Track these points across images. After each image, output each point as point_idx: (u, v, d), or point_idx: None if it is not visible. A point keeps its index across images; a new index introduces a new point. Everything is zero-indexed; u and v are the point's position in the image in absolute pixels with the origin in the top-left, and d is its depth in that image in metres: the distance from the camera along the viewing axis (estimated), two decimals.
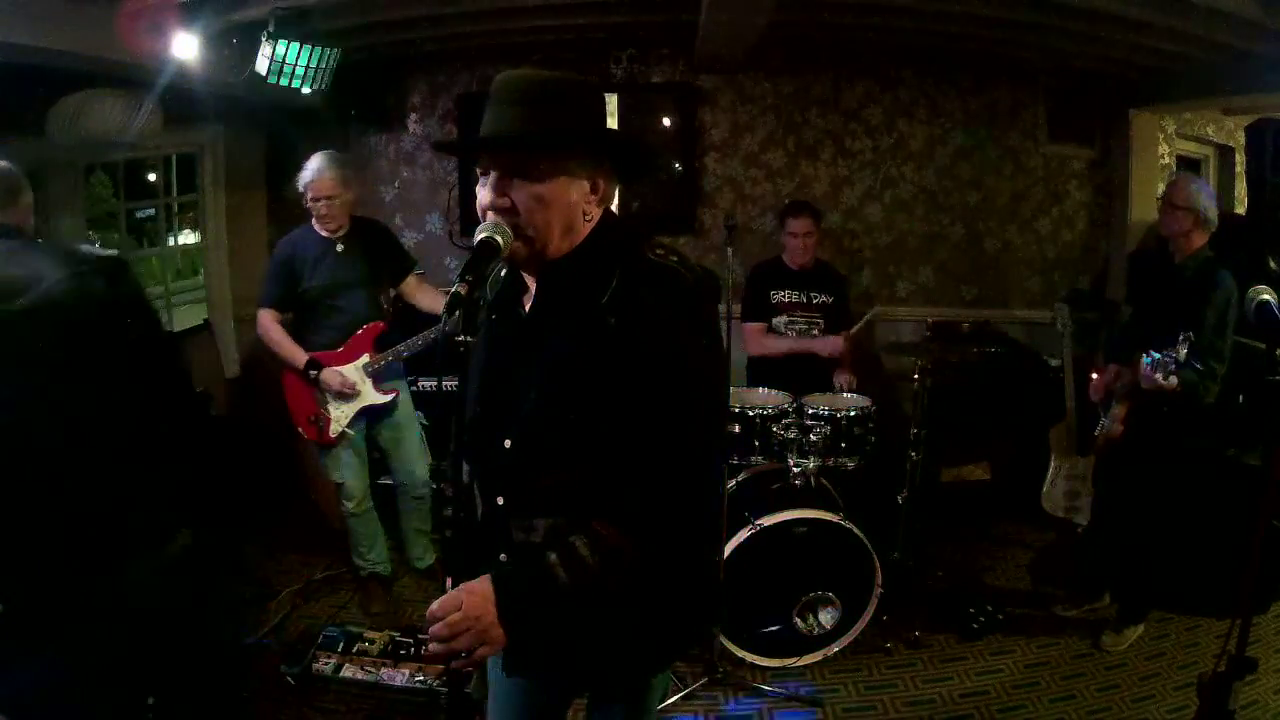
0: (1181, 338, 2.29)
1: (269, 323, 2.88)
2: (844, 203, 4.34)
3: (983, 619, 2.92)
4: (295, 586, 3.18)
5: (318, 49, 2.96)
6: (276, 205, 4.30)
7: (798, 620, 2.69)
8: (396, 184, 4.43)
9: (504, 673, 1.37)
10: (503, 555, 1.28)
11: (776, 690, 2.61)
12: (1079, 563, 3.19)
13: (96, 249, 1.54)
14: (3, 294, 1.30)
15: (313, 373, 2.82)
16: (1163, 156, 4.40)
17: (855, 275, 4.31)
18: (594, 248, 1.23)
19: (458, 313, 1.12)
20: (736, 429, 2.83)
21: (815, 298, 3.47)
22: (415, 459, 3.08)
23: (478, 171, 1.22)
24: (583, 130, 1.21)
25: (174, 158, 4.19)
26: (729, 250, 2.71)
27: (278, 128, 4.09)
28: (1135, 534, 2.80)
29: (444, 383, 2.72)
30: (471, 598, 1.13)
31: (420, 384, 3.33)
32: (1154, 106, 4.13)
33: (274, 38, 2.82)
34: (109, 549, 1.46)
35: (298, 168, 2.82)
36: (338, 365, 2.86)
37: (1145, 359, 2.35)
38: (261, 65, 2.88)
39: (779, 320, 3.46)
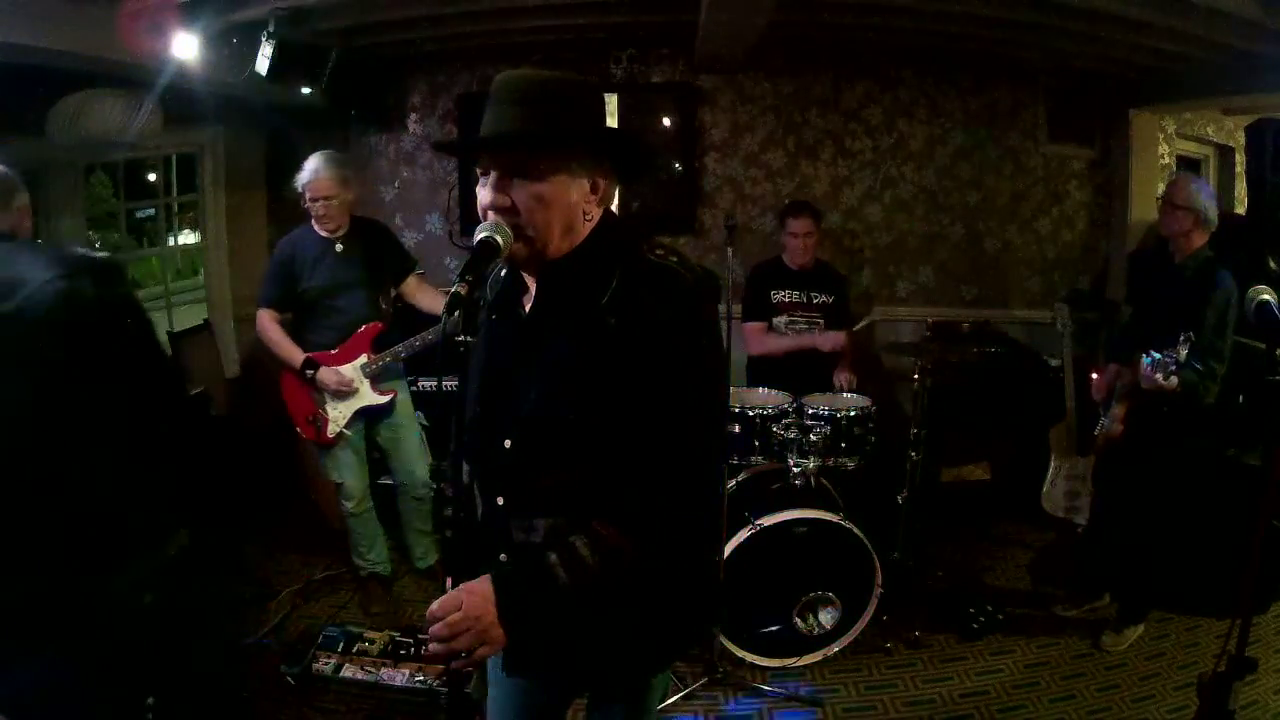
0: (1182, 338, 2.29)
1: (268, 323, 2.88)
2: (844, 203, 4.34)
3: (983, 619, 2.92)
4: (295, 586, 3.18)
5: (317, 49, 2.97)
6: (276, 205, 4.30)
7: (798, 620, 2.69)
8: (396, 184, 4.43)
9: (504, 673, 1.37)
10: (503, 555, 1.28)
11: (776, 690, 2.61)
12: (1079, 563, 3.19)
13: (89, 251, 1.54)
14: None
15: (309, 372, 2.82)
16: (1163, 156, 4.41)
17: (855, 275, 4.31)
18: (594, 248, 1.23)
19: (458, 313, 1.12)
20: (736, 429, 2.83)
21: (815, 298, 3.47)
22: (415, 459, 3.08)
23: (478, 171, 1.22)
24: (582, 129, 1.21)
25: (174, 158, 4.20)
26: (729, 250, 2.71)
27: (278, 128, 4.09)
28: (1135, 534, 2.80)
29: (444, 383, 2.72)
30: (471, 598, 1.13)
31: (420, 384, 3.33)
32: (1154, 106, 4.13)
33: (274, 38, 2.82)
34: (106, 550, 1.46)
35: (298, 168, 2.82)
36: (335, 366, 2.86)
37: (1145, 359, 2.36)
38: (261, 65, 2.88)
39: (779, 320, 3.46)
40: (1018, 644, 2.85)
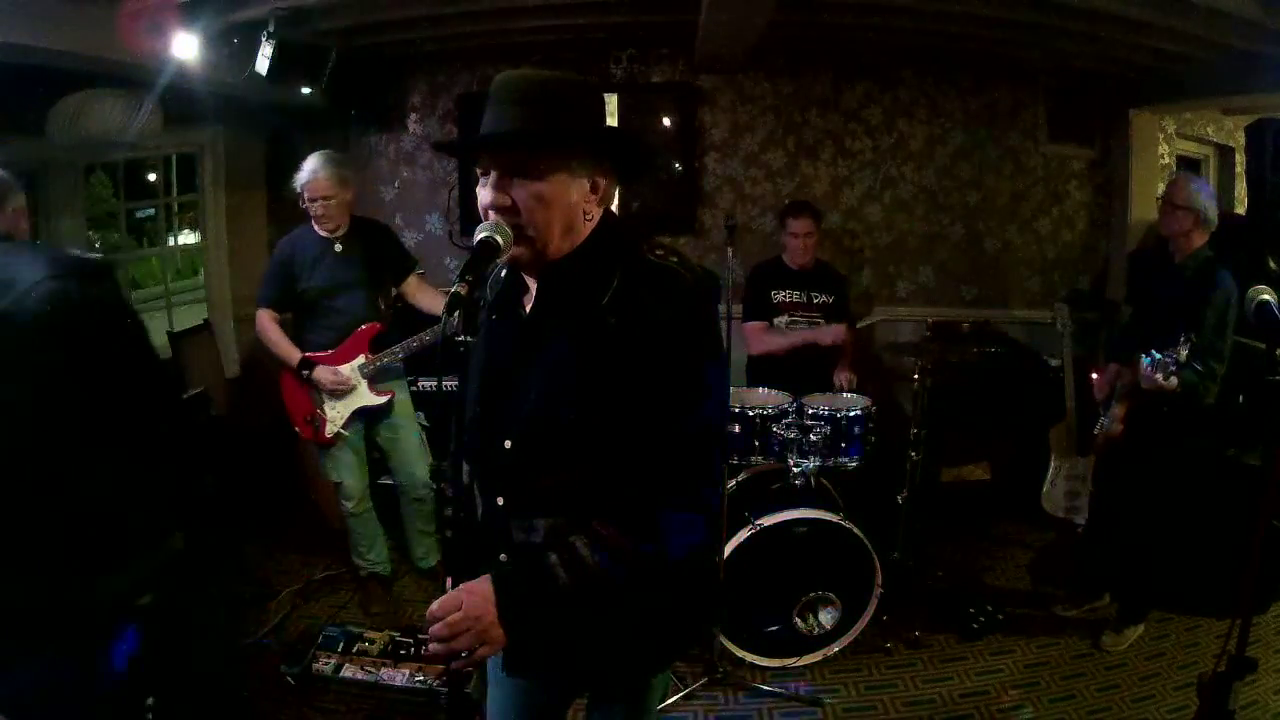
0: (1182, 338, 2.29)
1: (266, 322, 2.88)
2: (844, 203, 4.34)
3: (983, 619, 2.93)
4: (295, 586, 3.18)
5: (317, 48, 2.97)
6: (276, 205, 4.30)
7: (798, 620, 2.69)
8: (396, 184, 4.43)
9: (504, 673, 1.37)
10: (503, 555, 1.28)
11: (776, 690, 2.61)
12: (1079, 563, 3.19)
13: (82, 251, 1.54)
14: None
15: (305, 372, 2.82)
16: (1163, 156, 4.40)
17: (855, 275, 4.31)
18: (594, 248, 1.23)
19: (458, 313, 1.12)
20: (736, 429, 2.83)
21: (816, 297, 3.47)
22: (414, 460, 3.07)
23: (478, 171, 1.22)
24: (582, 129, 1.21)
25: (174, 158, 4.19)
26: (729, 250, 2.71)
27: (278, 128, 4.09)
28: (1135, 534, 2.80)
29: (444, 383, 2.72)
30: (471, 598, 1.13)
31: (420, 384, 3.32)
32: (1154, 106, 4.13)
33: (274, 38, 2.82)
34: (104, 550, 1.46)
35: (298, 168, 2.82)
36: (333, 366, 2.86)
37: (1145, 359, 2.36)
38: (261, 65, 2.88)
39: (780, 320, 3.46)
40: (1018, 644, 2.85)
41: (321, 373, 2.83)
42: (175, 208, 4.46)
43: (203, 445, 3.33)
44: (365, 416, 2.98)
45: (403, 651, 2.61)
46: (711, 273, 1.31)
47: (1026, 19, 3.16)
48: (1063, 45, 3.51)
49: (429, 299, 3.03)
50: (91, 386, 1.40)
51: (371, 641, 2.66)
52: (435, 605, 1.13)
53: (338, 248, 2.87)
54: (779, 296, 3.46)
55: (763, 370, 3.36)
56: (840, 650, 2.77)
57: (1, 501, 1.37)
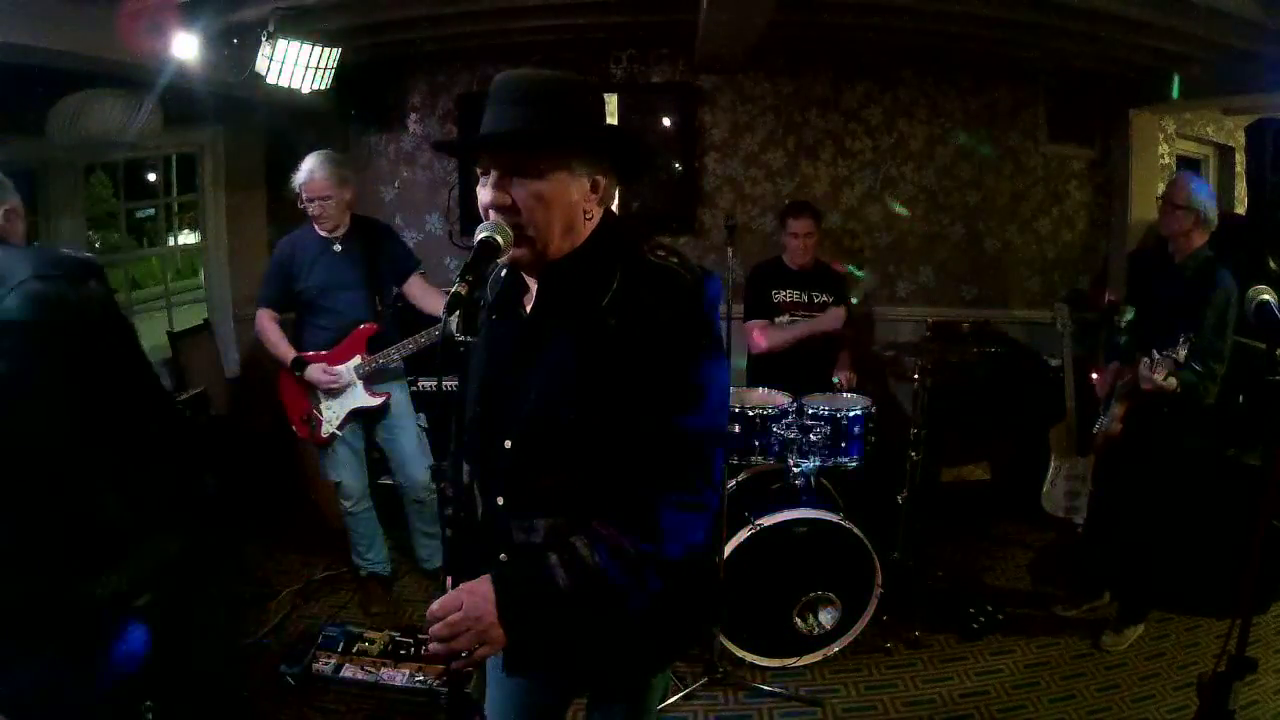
0: (1183, 339, 2.29)
1: (265, 322, 2.88)
2: (844, 203, 4.34)
3: (983, 619, 2.93)
4: (295, 586, 3.18)
5: (317, 48, 2.97)
6: (276, 205, 4.29)
7: (798, 620, 2.69)
8: (396, 184, 4.43)
9: (504, 673, 1.37)
10: (503, 555, 1.27)
11: (776, 690, 2.61)
12: (1079, 562, 3.19)
13: (73, 251, 1.53)
14: None
15: (297, 372, 2.82)
16: (1163, 156, 4.41)
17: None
18: (595, 248, 1.23)
19: (458, 313, 1.12)
20: (736, 429, 2.83)
21: (816, 297, 3.47)
22: (412, 461, 3.05)
23: (478, 171, 1.22)
24: (582, 128, 1.21)
25: (174, 158, 4.19)
26: (729, 250, 2.71)
27: (278, 128, 4.09)
28: (1135, 534, 2.80)
29: (444, 383, 2.72)
30: (472, 598, 1.13)
31: (420, 384, 3.32)
32: (1154, 106, 4.13)
33: (274, 38, 2.82)
34: (102, 551, 1.46)
35: (297, 168, 2.81)
36: (327, 365, 2.86)
37: (1145, 359, 2.36)
38: (261, 65, 2.88)
39: (781, 320, 3.46)
40: (1018, 644, 2.85)
41: (314, 371, 2.82)
42: (175, 208, 4.46)
43: (202, 445, 3.34)
44: (362, 417, 2.97)
45: (403, 651, 2.61)
46: (712, 273, 1.30)
47: (1026, 19, 3.16)
48: (1063, 45, 3.51)
49: (431, 300, 3.02)
50: (75, 385, 1.40)
51: (371, 641, 2.66)
52: (435, 605, 1.13)
53: (336, 248, 2.86)
54: (779, 296, 3.46)
55: (763, 370, 3.36)
56: (840, 650, 2.77)
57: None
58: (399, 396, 3.04)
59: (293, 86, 2.99)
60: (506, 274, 1.33)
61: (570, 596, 1.15)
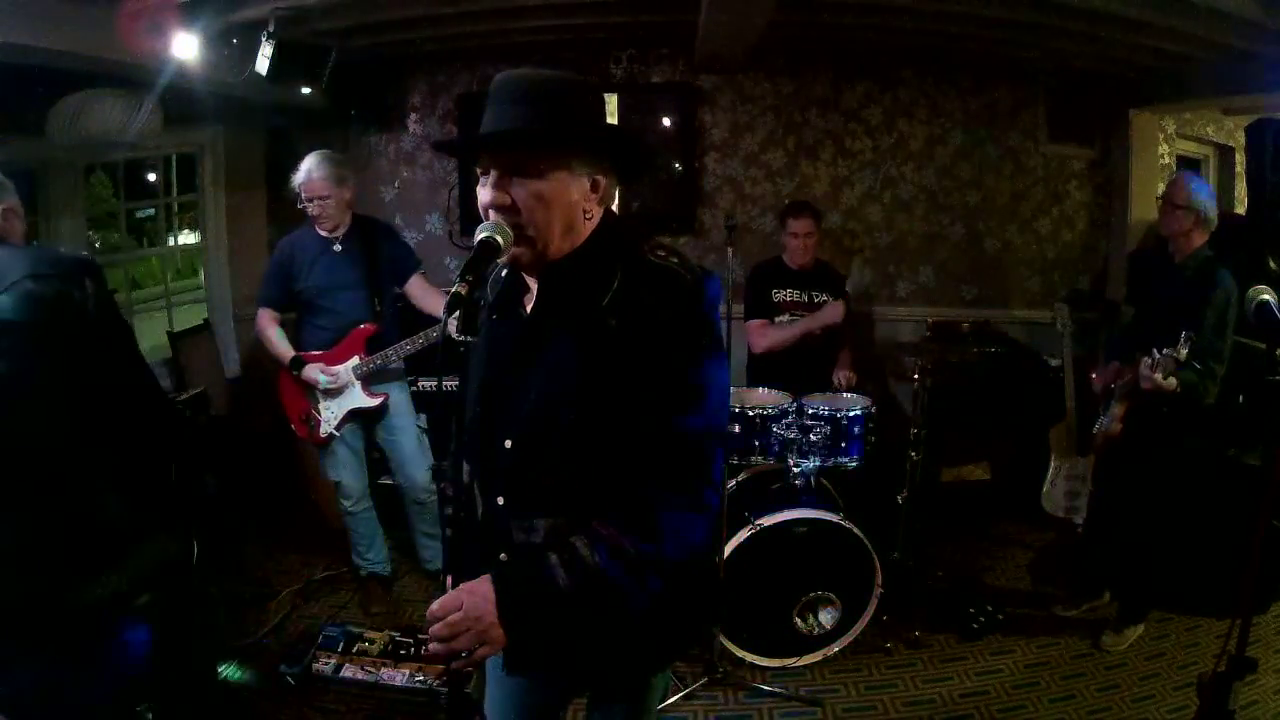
0: (1183, 338, 2.29)
1: (265, 322, 2.89)
2: (844, 203, 4.34)
3: (983, 619, 2.93)
4: (295, 586, 3.18)
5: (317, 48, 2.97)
6: (276, 205, 4.30)
7: (798, 620, 2.69)
8: (396, 184, 4.43)
9: (504, 672, 1.37)
10: (503, 555, 1.27)
11: (776, 690, 2.61)
12: (1079, 562, 3.19)
13: (71, 251, 1.53)
14: None
15: (295, 371, 2.82)
16: (1163, 156, 4.41)
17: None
18: (595, 248, 1.23)
19: (458, 313, 1.12)
20: (736, 429, 2.83)
21: (817, 297, 3.46)
22: (412, 462, 3.05)
23: (478, 171, 1.22)
24: (582, 128, 1.21)
25: (174, 158, 4.20)
26: (729, 250, 2.71)
27: (278, 128, 4.09)
28: (1135, 534, 2.80)
29: (444, 383, 2.72)
30: (472, 598, 1.13)
31: (420, 384, 3.32)
32: (1154, 106, 4.13)
33: (274, 38, 2.82)
34: (101, 551, 1.46)
35: (297, 168, 2.81)
36: (325, 365, 2.86)
37: (1145, 359, 2.36)
38: (261, 65, 2.88)
39: (781, 320, 3.46)
40: (1018, 644, 2.85)
41: (310, 370, 2.82)
42: (175, 208, 4.47)
43: (202, 445, 3.34)
44: (361, 417, 2.97)
45: (403, 651, 2.61)
46: (712, 273, 1.30)
47: (1026, 19, 3.15)
48: (1063, 45, 3.51)
49: (431, 300, 3.00)
50: (73, 385, 1.40)
51: (371, 641, 2.66)
52: (435, 605, 1.13)
53: (336, 248, 2.86)
54: (779, 296, 3.46)
55: (763, 370, 3.36)
56: (840, 650, 2.77)
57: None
58: (399, 397, 3.03)
59: (292, 86, 2.99)
60: (507, 274, 1.33)
61: (570, 596, 1.14)
